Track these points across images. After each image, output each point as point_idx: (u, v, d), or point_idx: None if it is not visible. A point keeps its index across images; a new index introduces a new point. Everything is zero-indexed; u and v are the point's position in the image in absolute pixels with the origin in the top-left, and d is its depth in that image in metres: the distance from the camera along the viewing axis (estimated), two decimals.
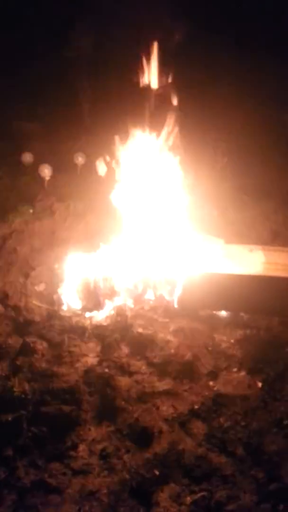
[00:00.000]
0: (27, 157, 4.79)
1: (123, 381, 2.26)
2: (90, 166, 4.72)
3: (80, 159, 4.83)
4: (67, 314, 2.83)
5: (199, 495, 1.76)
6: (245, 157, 5.05)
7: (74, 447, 1.95)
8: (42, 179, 4.52)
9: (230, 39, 5.61)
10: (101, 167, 4.38)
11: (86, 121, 5.56)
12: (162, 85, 3.38)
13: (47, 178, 4.52)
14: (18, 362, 2.36)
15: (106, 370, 2.32)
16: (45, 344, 2.49)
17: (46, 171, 4.51)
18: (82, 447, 1.96)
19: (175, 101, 3.45)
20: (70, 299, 2.95)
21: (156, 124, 3.32)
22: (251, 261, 3.07)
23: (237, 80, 5.56)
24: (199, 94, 5.32)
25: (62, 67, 5.78)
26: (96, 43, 5.64)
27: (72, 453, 1.93)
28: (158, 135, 3.33)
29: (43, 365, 2.35)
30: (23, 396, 2.14)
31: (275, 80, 5.61)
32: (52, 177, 4.52)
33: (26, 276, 3.18)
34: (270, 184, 4.70)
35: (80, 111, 5.59)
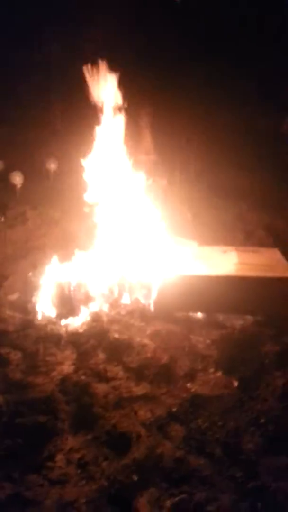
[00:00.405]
0: None
1: (100, 388, 2.24)
2: (62, 172, 4.70)
3: (52, 165, 4.80)
4: (42, 323, 2.79)
5: (178, 498, 1.76)
6: (218, 160, 5.12)
7: (51, 457, 1.92)
8: (13, 187, 4.47)
9: (203, 42, 5.67)
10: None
11: (57, 126, 5.53)
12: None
13: (19, 185, 4.48)
14: None
15: (83, 377, 2.30)
16: (19, 354, 2.45)
17: (17, 178, 4.48)
18: (59, 457, 1.93)
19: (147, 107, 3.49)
20: (44, 307, 2.92)
21: (128, 128, 3.33)
22: (225, 262, 3.10)
23: (209, 83, 5.63)
24: (171, 98, 5.38)
25: (31, 70, 5.75)
26: (65, 46, 5.63)
27: (49, 463, 1.90)
28: (131, 139, 3.34)
29: (18, 375, 2.31)
30: None
31: (249, 83, 5.71)
32: (23, 184, 4.49)
33: None
34: (242, 186, 4.78)
35: (51, 116, 5.56)
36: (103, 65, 3.26)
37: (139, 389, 2.27)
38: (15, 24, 5.61)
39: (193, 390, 2.30)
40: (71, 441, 2.00)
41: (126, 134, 3.31)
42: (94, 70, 3.25)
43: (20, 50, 5.51)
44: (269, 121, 5.95)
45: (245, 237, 4.04)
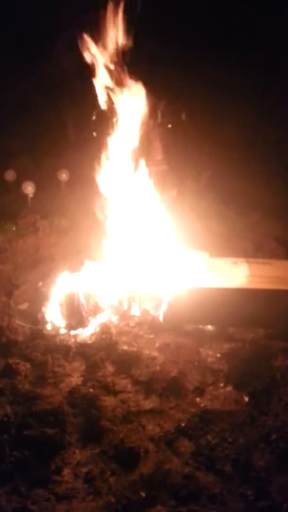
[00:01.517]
0: (10, 175, 4.78)
1: (108, 401, 2.22)
2: (74, 182, 4.72)
3: (64, 176, 4.82)
4: (51, 333, 2.79)
5: None
6: (228, 170, 5.10)
7: (58, 471, 1.91)
8: (25, 196, 4.50)
9: (215, 54, 5.70)
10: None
11: (70, 137, 5.57)
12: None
13: (31, 195, 4.50)
14: (0, 385, 2.31)
15: (91, 390, 2.28)
16: (28, 365, 2.44)
17: (29, 188, 4.50)
18: (66, 471, 1.91)
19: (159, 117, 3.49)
20: (54, 318, 2.92)
21: (138, 138, 3.34)
22: (236, 274, 3.07)
23: (219, 94, 5.64)
24: (182, 109, 5.39)
25: (44, 83, 5.82)
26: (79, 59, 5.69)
27: (56, 477, 1.88)
28: (142, 150, 3.35)
29: (26, 386, 2.30)
30: (5, 419, 2.08)
31: (258, 94, 5.71)
32: (35, 194, 4.51)
33: (9, 295, 3.14)
34: (253, 197, 4.74)
35: (64, 127, 5.61)
36: (114, 75, 3.29)
37: (148, 403, 2.24)
38: (27, 35, 5.69)
39: (202, 404, 2.27)
40: (78, 455, 1.98)
41: (137, 145, 3.32)
42: (106, 80, 3.28)
43: (32, 62, 5.58)
44: (279, 131, 5.94)
45: (256, 248, 4.00)
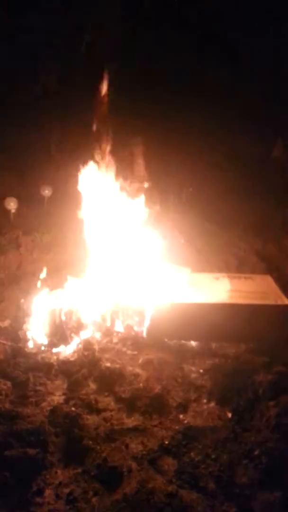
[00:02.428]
0: None
1: (91, 420, 2.19)
2: (57, 198, 4.72)
3: (47, 192, 4.82)
4: (33, 351, 2.75)
5: None
6: (210, 187, 5.18)
7: (40, 492, 1.87)
8: (8, 212, 4.48)
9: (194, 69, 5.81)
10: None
11: (53, 153, 5.59)
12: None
13: (13, 210, 4.48)
14: None
15: (73, 408, 2.25)
16: (9, 384, 2.40)
17: (12, 204, 4.48)
18: (48, 492, 1.88)
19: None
20: (36, 335, 2.89)
21: (121, 156, 3.37)
22: (217, 289, 3.10)
23: (201, 111, 5.75)
24: (163, 125, 5.48)
25: (28, 98, 5.85)
26: (62, 77, 5.75)
27: (37, 499, 1.85)
28: (124, 166, 3.38)
29: (7, 406, 2.26)
30: None
31: (241, 112, 5.84)
32: (18, 209, 4.49)
33: None
34: (234, 212, 4.81)
35: (46, 142, 5.63)
36: (98, 93, 3.33)
37: (131, 421, 2.23)
38: (13, 53, 5.73)
39: (186, 421, 2.26)
40: (60, 475, 1.96)
41: (119, 161, 3.36)
42: (90, 99, 3.32)
43: (16, 79, 5.61)
44: (260, 147, 6.06)
45: (238, 263, 4.05)
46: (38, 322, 2.93)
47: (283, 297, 3.00)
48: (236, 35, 5.81)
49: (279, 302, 2.96)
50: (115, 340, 2.86)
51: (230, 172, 5.49)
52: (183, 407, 2.36)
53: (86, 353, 2.68)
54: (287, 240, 4.43)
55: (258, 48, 5.77)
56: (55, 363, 2.61)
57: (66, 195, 4.49)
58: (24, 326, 2.93)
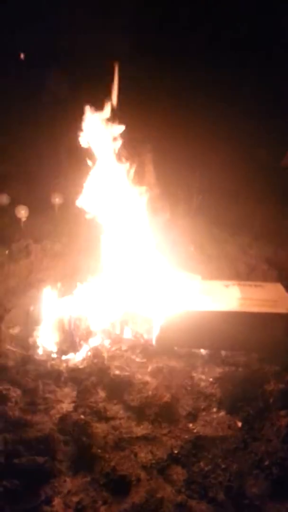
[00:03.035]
0: (3, 199, 4.81)
1: (100, 428, 2.18)
2: (67, 206, 4.75)
3: (57, 200, 4.86)
4: (42, 358, 2.76)
5: None
6: (220, 193, 5.18)
7: (49, 501, 1.87)
8: (18, 220, 4.52)
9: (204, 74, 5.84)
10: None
11: (63, 160, 5.64)
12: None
13: (24, 219, 4.52)
14: None
15: (82, 416, 2.25)
16: (18, 391, 2.41)
17: (22, 212, 4.52)
18: (57, 501, 1.88)
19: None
20: (45, 342, 2.90)
21: (131, 163, 3.39)
22: (228, 297, 3.08)
23: (210, 117, 5.76)
24: (173, 132, 5.50)
25: (38, 107, 5.93)
26: (72, 85, 5.82)
27: (46, 507, 1.85)
28: (134, 173, 3.39)
29: (17, 413, 2.27)
30: None
31: (248, 116, 5.84)
32: (28, 218, 4.53)
33: (0, 319, 3.12)
34: (244, 219, 4.80)
35: (56, 150, 5.68)
36: (105, 100, 3.35)
37: (140, 430, 2.21)
38: (19, 60, 5.83)
39: (195, 430, 2.24)
40: (69, 484, 1.95)
41: (129, 168, 3.37)
42: (97, 105, 3.34)
43: (23, 86, 5.69)
44: (270, 154, 6.05)
45: (248, 271, 4.03)
46: (47, 329, 2.94)
47: None
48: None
49: None
50: (124, 348, 2.85)
51: (241, 178, 5.48)
52: (193, 416, 2.34)
53: (95, 360, 2.67)
54: None
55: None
56: (64, 371, 2.61)
57: (76, 202, 4.52)
58: (34, 334, 2.94)
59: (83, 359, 2.74)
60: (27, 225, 4.51)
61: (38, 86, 5.73)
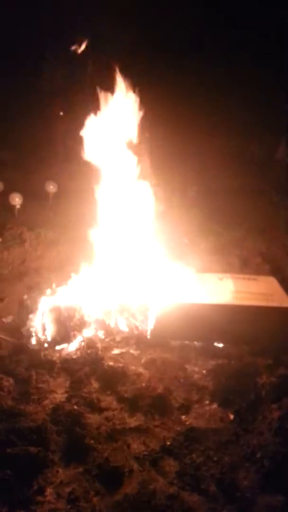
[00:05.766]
0: None
1: (93, 418, 2.19)
2: (62, 194, 4.72)
3: (51, 188, 4.82)
4: (36, 348, 2.75)
5: None
6: (214, 186, 5.17)
7: (41, 491, 1.86)
8: (12, 208, 4.48)
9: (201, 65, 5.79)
10: None
11: (58, 149, 5.58)
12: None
13: (18, 206, 4.48)
14: None
15: (75, 407, 2.24)
16: (11, 381, 2.40)
17: (16, 200, 4.48)
18: (49, 491, 1.87)
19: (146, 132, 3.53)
20: (39, 332, 2.88)
21: (127, 153, 3.36)
22: (221, 289, 3.09)
23: (206, 111, 5.73)
24: (170, 125, 5.46)
25: (34, 95, 5.84)
26: (69, 73, 5.74)
27: (38, 497, 1.84)
28: (130, 164, 3.36)
29: (9, 403, 2.26)
30: None
31: (244, 112, 5.82)
32: (23, 205, 4.49)
33: None
34: (238, 212, 4.80)
35: (52, 139, 5.62)
36: (104, 90, 3.31)
37: (133, 421, 2.22)
38: (17, 47, 5.73)
39: (188, 422, 2.25)
40: (61, 474, 1.95)
41: (125, 159, 3.34)
42: (96, 94, 3.30)
43: (21, 74, 5.61)
44: (264, 148, 6.05)
45: (242, 264, 4.04)
46: (41, 319, 2.92)
47: None
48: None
49: (284, 305, 2.95)
50: (118, 339, 2.85)
51: (235, 172, 5.48)
52: (185, 408, 2.35)
53: (89, 351, 2.67)
54: None
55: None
56: (57, 361, 2.60)
57: (71, 191, 4.49)
58: (27, 323, 2.93)
59: (77, 350, 2.73)
60: (21, 213, 4.47)
61: (35, 74, 5.64)
